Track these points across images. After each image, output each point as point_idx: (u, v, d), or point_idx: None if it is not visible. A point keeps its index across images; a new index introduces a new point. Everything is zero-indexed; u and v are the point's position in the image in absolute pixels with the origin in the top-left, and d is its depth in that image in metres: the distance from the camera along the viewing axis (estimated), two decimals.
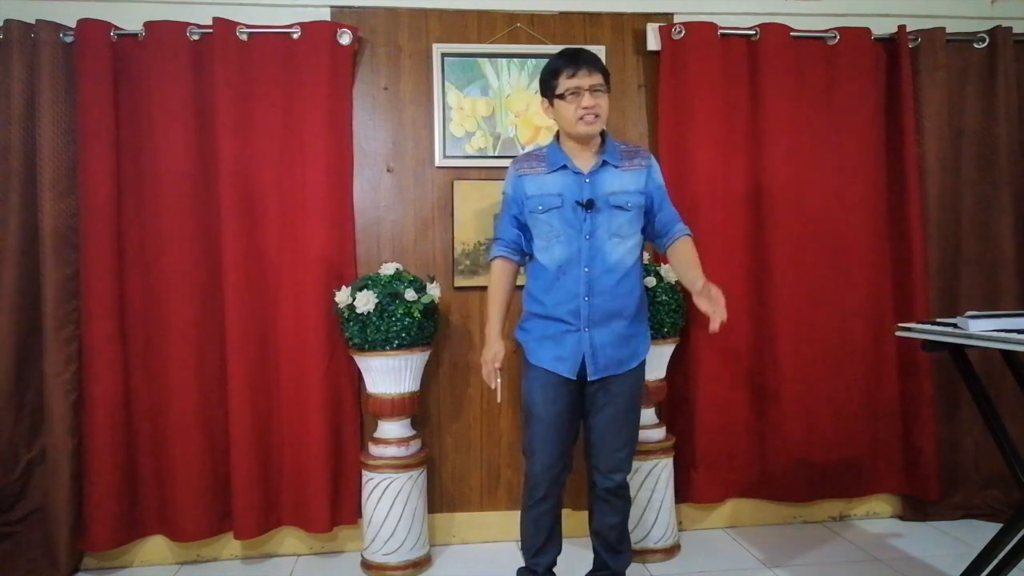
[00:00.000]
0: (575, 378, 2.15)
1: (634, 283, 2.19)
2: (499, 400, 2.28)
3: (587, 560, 2.38)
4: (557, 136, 2.23)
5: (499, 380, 2.21)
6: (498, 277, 2.27)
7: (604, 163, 2.16)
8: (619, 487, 2.22)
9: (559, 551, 2.32)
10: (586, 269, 2.12)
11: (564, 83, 2.10)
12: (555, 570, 2.37)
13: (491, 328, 2.24)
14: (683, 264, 2.17)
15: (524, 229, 2.23)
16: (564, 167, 2.16)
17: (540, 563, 2.29)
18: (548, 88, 2.15)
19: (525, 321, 2.26)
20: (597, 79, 2.10)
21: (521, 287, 2.30)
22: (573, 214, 2.13)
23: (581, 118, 2.09)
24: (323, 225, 2.78)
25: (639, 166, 2.19)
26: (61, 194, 2.66)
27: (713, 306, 1.95)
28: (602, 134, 2.20)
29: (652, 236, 2.26)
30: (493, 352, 2.21)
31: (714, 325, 1.94)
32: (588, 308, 2.13)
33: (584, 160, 2.17)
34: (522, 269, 2.32)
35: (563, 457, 2.21)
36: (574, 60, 2.10)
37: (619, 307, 2.15)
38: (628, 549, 2.32)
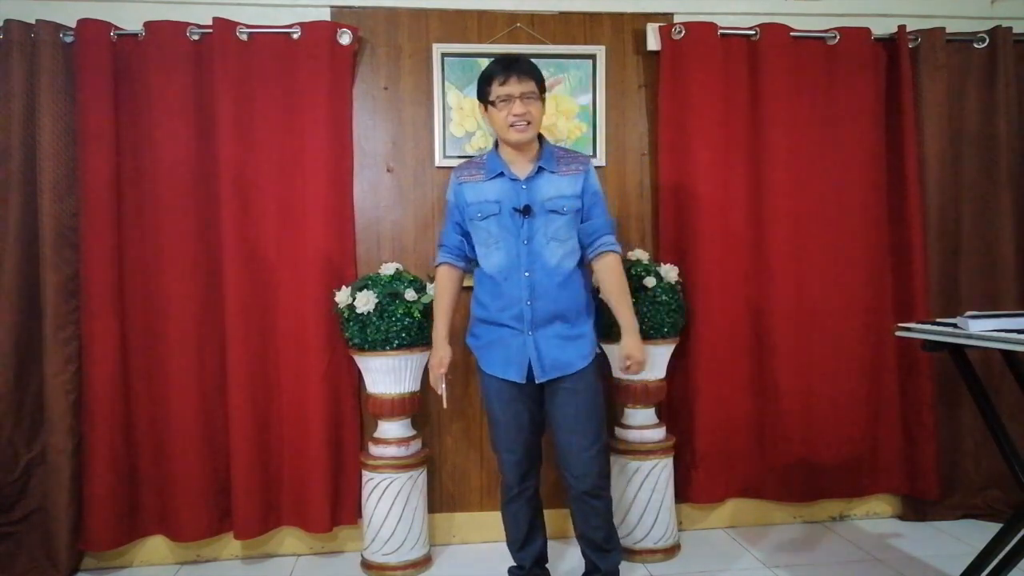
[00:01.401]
0: (524, 382, 2.18)
1: (577, 286, 2.21)
2: (444, 407, 2.33)
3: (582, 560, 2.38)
4: (497, 143, 2.25)
5: (444, 386, 2.28)
6: (443, 284, 2.32)
7: (540, 169, 2.19)
8: (595, 488, 2.21)
9: (544, 543, 2.37)
10: (527, 273, 2.15)
11: (496, 90, 2.13)
12: (547, 566, 2.40)
13: (437, 333, 2.30)
14: (612, 292, 2.23)
15: (467, 236, 2.28)
16: (501, 174, 2.20)
17: (526, 558, 2.34)
18: (482, 94, 2.19)
19: (473, 327, 2.30)
20: (529, 86, 2.13)
21: (469, 288, 2.35)
22: (511, 220, 2.16)
23: (512, 125, 2.13)
24: (323, 225, 2.78)
25: (576, 171, 2.21)
26: (61, 195, 2.65)
27: (627, 372, 2.24)
28: (540, 140, 2.23)
29: (580, 243, 2.24)
30: (439, 357, 2.28)
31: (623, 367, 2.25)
32: (531, 312, 2.15)
33: (521, 167, 2.20)
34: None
35: (529, 454, 2.26)
36: (506, 67, 2.13)
37: (562, 309, 2.17)
38: (616, 547, 2.31)
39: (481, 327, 2.26)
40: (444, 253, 2.32)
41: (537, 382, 2.18)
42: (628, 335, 2.22)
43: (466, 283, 2.39)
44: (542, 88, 2.18)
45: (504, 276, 2.17)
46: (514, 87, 2.11)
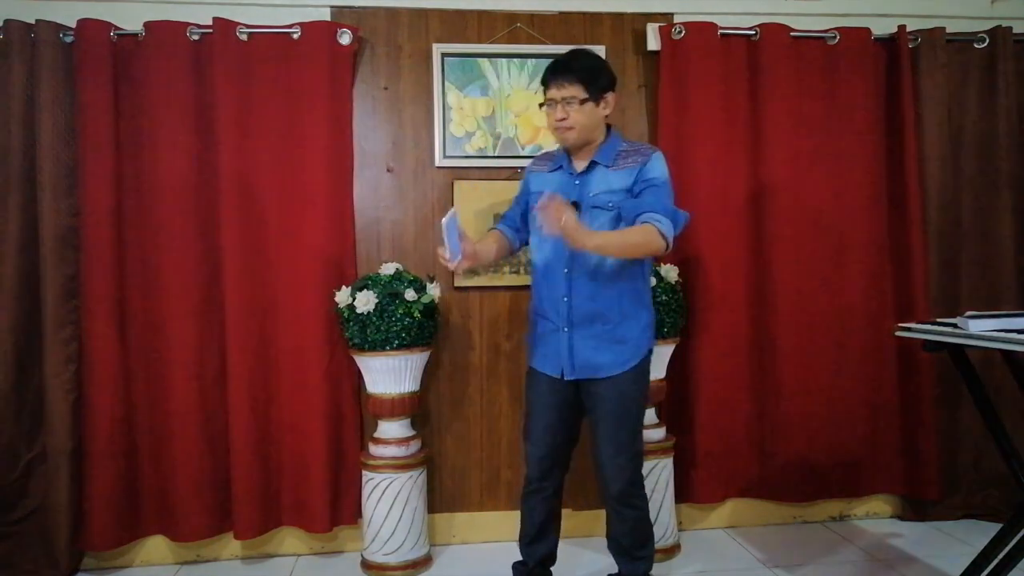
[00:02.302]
0: (560, 377, 2.18)
1: (622, 288, 2.14)
2: (452, 269, 2.12)
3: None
4: None
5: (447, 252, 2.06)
6: (488, 233, 2.35)
7: (594, 164, 2.16)
8: (622, 495, 2.16)
9: (554, 544, 2.34)
10: (566, 270, 2.15)
11: (544, 94, 2.16)
12: (553, 569, 2.37)
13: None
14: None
15: (526, 220, 2.31)
16: (561, 167, 2.22)
17: (532, 555, 2.32)
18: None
19: (530, 318, 2.32)
20: (570, 91, 2.08)
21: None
22: None
23: (555, 129, 2.15)
24: (323, 225, 2.78)
25: (633, 163, 2.12)
26: (61, 194, 2.65)
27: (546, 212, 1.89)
28: (610, 134, 2.21)
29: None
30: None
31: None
32: (567, 308, 2.15)
33: (581, 160, 2.20)
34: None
35: (553, 453, 2.24)
36: (551, 71, 2.13)
37: (600, 310, 2.13)
38: (645, 557, 2.24)
39: (534, 318, 2.29)
40: (498, 224, 2.39)
41: (565, 379, 2.17)
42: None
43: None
44: (592, 90, 2.08)
45: (549, 269, 2.19)
46: (554, 93, 2.11)
